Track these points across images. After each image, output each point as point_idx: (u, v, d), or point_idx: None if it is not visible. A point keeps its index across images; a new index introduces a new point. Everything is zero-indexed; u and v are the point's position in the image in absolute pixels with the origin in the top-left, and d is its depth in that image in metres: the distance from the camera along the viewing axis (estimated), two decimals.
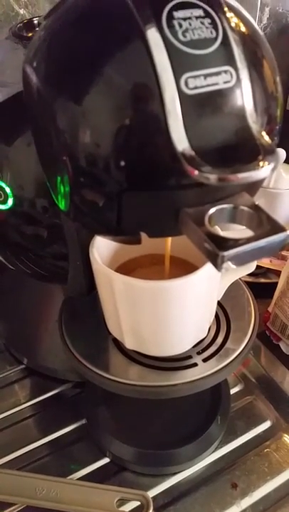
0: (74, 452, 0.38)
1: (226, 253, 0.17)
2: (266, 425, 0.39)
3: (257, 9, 0.58)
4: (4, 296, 0.48)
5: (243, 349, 0.28)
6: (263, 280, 0.51)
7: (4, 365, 0.44)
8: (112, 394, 0.36)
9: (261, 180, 0.18)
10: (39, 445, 0.38)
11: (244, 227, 0.19)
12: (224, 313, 0.32)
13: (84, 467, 0.36)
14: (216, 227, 0.21)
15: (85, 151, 0.18)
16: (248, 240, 0.17)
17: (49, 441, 0.38)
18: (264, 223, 0.18)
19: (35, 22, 0.34)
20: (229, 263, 0.17)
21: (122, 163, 0.17)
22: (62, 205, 0.23)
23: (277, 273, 0.51)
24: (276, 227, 0.17)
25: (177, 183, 0.17)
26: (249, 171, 0.16)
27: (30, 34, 0.33)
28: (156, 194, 0.18)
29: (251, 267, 0.29)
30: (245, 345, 0.28)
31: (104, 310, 0.29)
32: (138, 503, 0.34)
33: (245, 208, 0.19)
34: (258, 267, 0.53)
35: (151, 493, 0.34)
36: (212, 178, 0.16)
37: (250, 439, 0.38)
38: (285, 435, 0.39)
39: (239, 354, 0.28)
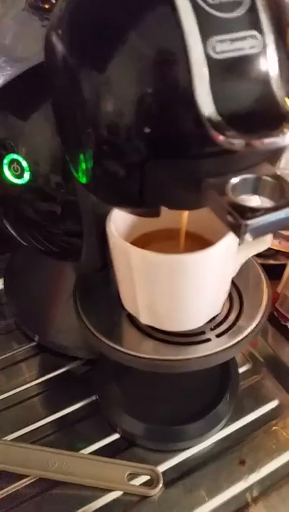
0: (85, 428, 0.38)
1: (249, 222, 0.17)
2: (274, 404, 0.40)
3: None
4: (16, 275, 0.48)
5: (256, 327, 0.28)
6: (272, 262, 0.51)
7: (16, 342, 0.45)
8: (123, 370, 0.37)
9: (282, 148, 0.18)
10: (50, 420, 0.39)
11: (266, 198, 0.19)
12: (237, 292, 0.32)
13: (95, 442, 0.37)
14: (240, 197, 0.21)
15: (109, 119, 0.18)
16: (272, 210, 0.17)
17: (60, 417, 0.39)
18: (287, 194, 0.18)
19: None
20: (250, 234, 0.17)
21: (147, 130, 0.17)
22: (83, 179, 0.23)
23: (287, 255, 0.51)
24: None
25: (202, 150, 0.17)
26: (274, 136, 0.16)
27: (46, 5, 0.32)
28: (180, 163, 0.18)
29: (267, 242, 0.29)
30: (258, 323, 0.29)
31: (119, 285, 0.29)
32: (148, 477, 0.34)
33: (269, 178, 0.19)
34: (267, 248, 0.54)
35: (161, 468, 0.35)
36: (237, 143, 0.16)
37: (258, 417, 0.39)
38: None
39: (251, 331, 0.28)
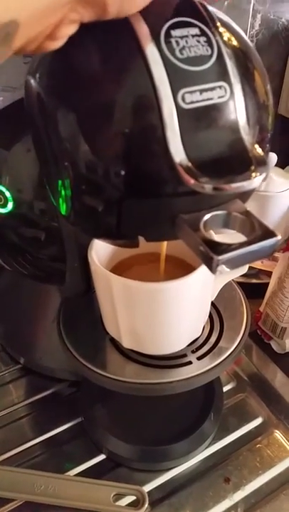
0: (71, 449, 0.39)
1: (220, 257, 0.18)
2: (258, 421, 0.41)
3: (249, 15, 0.59)
4: (1, 298, 0.49)
5: (236, 348, 0.29)
6: (254, 281, 0.53)
7: (1, 364, 0.45)
8: (108, 392, 0.37)
9: (253, 189, 0.19)
10: (36, 443, 0.39)
11: (237, 232, 0.20)
12: (217, 313, 0.33)
13: (81, 464, 0.37)
14: (211, 232, 0.22)
15: (85, 159, 0.19)
16: (241, 245, 0.18)
17: (46, 439, 0.39)
18: (256, 229, 0.19)
19: None
20: (224, 266, 0.18)
21: (122, 172, 0.18)
22: (63, 209, 0.24)
23: (269, 274, 0.52)
24: (267, 232, 0.19)
25: (174, 191, 0.19)
26: (242, 181, 0.17)
27: None
28: (154, 201, 0.19)
29: (244, 269, 0.30)
30: (238, 344, 0.30)
31: (102, 310, 0.30)
32: (134, 497, 0.35)
33: (238, 215, 0.20)
34: (249, 268, 0.54)
35: (147, 488, 0.35)
36: (207, 187, 0.17)
37: (242, 435, 0.39)
38: (276, 431, 0.40)
39: (232, 352, 0.29)
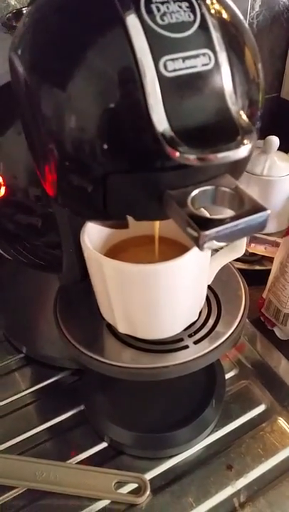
0: (73, 437, 0.38)
1: (207, 232, 0.17)
2: (261, 408, 0.40)
3: None
4: (2, 289, 0.49)
5: (233, 332, 0.29)
6: (257, 267, 0.52)
7: (4, 354, 0.45)
8: (109, 380, 0.37)
9: (242, 161, 0.19)
10: (39, 431, 0.39)
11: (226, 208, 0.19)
12: (215, 297, 0.32)
13: (82, 451, 0.37)
14: (202, 209, 0.22)
15: (70, 135, 0.19)
16: (230, 220, 0.18)
17: (48, 427, 0.39)
18: (245, 204, 0.18)
19: (25, 11, 0.34)
20: (213, 242, 0.18)
21: (105, 146, 0.18)
22: (50, 191, 0.23)
23: (272, 260, 0.51)
24: (257, 207, 0.18)
25: (159, 165, 0.18)
26: (228, 150, 0.17)
27: (19, 23, 0.33)
28: (139, 176, 0.19)
29: (240, 251, 0.29)
30: (235, 328, 0.29)
31: (96, 295, 0.29)
32: (136, 485, 0.35)
33: (227, 189, 0.19)
34: (252, 254, 0.54)
35: (148, 476, 0.35)
36: (191, 158, 0.16)
37: (245, 422, 0.39)
38: (280, 418, 0.39)
39: (229, 336, 0.28)
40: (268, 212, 0.18)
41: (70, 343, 0.29)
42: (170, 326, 0.28)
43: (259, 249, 0.53)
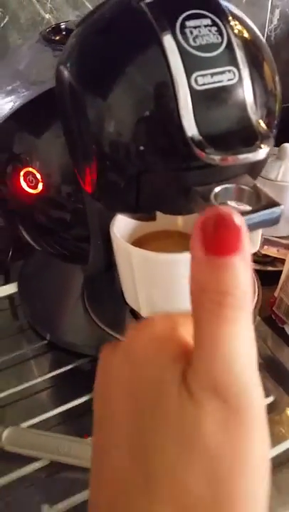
0: (90, 420, 0.41)
1: None
2: (270, 400, 0.42)
3: (267, 11, 0.61)
4: (29, 279, 0.52)
5: None
6: (270, 268, 0.54)
7: (29, 340, 0.49)
8: None
9: (260, 162, 0.22)
10: (60, 411, 0.42)
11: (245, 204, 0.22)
12: None
13: None
14: (230, 203, 0.24)
15: (110, 138, 0.22)
16: (247, 213, 0.20)
17: (69, 409, 0.42)
18: (262, 200, 0.21)
19: (62, 27, 0.38)
20: None
21: (142, 148, 0.21)
22: (89, 189, 0.26)
23: (284, 261, 0.54)
24: (271, 202, 0.21)
25: (188, 164, 0.21)
26: (248, 153, 0.19)
27: (57, 37, 0.36)
28: (170, 174, 0.22)
29: (255, 247, 0.32)
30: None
31: (122, 282, 0.32)
32: None
33: (246, 187, 0.22)
34: (265, 256, 0.57)
35: None
36: (216, 158, 0.19)
37: None
38: (288, 409, 0.42)
39: None
40: (282, 207, 0.21)
41: (98, 326, 0.32)
42: (188, 310, 0.31)
43: (272, 251, 0.56)
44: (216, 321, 0.14)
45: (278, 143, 0.58)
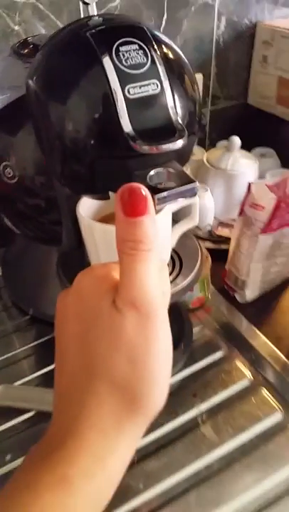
0: None
1: (157, 196, 0.27)
2: (221, 354, 0.50)
3: (214, 18, 0.68)
4: (11, 264, 0.58)
5: (190, 281, 0.39)
6: (223, 246, 0.62)
7: (13, 317, 0.55)
8: None
9: (184, 151, 0.29)
10: (47, 371, 0.49)
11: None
12: (179, 259, 0.42)
13: None
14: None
15: (69, 135, 0.29)
16: (171, 188, 0.28)
17: (53, 368, 0.49)
18: (183, 178, 0.28)
19: (30, 41, 0.44)
20: (161, 203, 0.28)
21: (92, 142, 0.28)
22: (56, 175, 0.33)
23: None
24: (189, 180, 0.28)
25: (127, 154, 0.28)
26: (168, 143, 0.27)
27: (26, 51, 0.43)
28: (115, 162, 0.29)
29: (194, 221, 0.39)
30: (192, 279, 0.39)
31: (88, 254, 0.39)
32: None
33: (173, 171, 0.29)
34: (219, 236, 0.64)
35: None
36: (146, 148, 0.27)
37: (208, 364, 0.49)
38: (236, 360, 0.49)
39: (186, 285, 0.38)
40: (196, 184, 0.28)
41: None
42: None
43: (225, 232, 0.63)
44: (133, 259, 0.21)
45: (230, 136, 0.66)
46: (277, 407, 0.45)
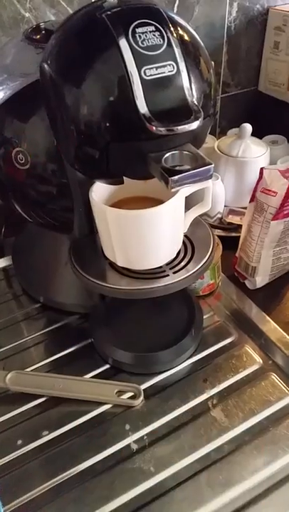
0: (82, 362, 0.49)
1: (172, 178, 0.27)
2: (231, 339, 0.50)
3: (226, 4, 0.67)
4: (21, 253, 0.59)
5: (201, 266, 0.39)
6: (234, 234, 0.62)
7: (24, 305, 0.56)
8: (111, 315, 0.47)
9: (197, 133, 0.29)
10: (57, 357, 0.49)
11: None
12: (191, 245, 0.42)
13: (91, 371, 0.47)
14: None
15: (84, 118, 0.29)
16: (187, 170, 0.28)
17: (63, 355, 0.49)
18: (199, 161, 0.29)
19: (42, 27, 0.44)
20: (178, 184, 0.28)
21: (108, 124, 0.28)
22: (69, 161, 0.33)
23: None
24: (205, 162, 0.28)
25: (142, 136, 0.28)
26: (184, 125, 0.27)
27: (38, 37, 0.43)
28: (130, 144, 0.29)
29: (206, 206, 0.39)
30: (203, 264, 0.39)
31: (101, 239, 0.39)
32: (132, 393, 0.45)
33: (188, 153, 0.29)
34: (230, 223, 0.64)
35: (142, 386, 0.45)
36: (162, 129, 0.27)
37: (218, 348, 0.49)
38: (246, 345, 0.50)
39: (198, 269, 0.39)
40: (212, 165, 0.28)
41: (83, 277, 0.39)
42: (155, 260, 0.38)
43: (235, 219, 0.63)
44: None
45: (241, 123, 0.65)
46: (286, 391, 0.45)
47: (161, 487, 0.39)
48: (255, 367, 0.47)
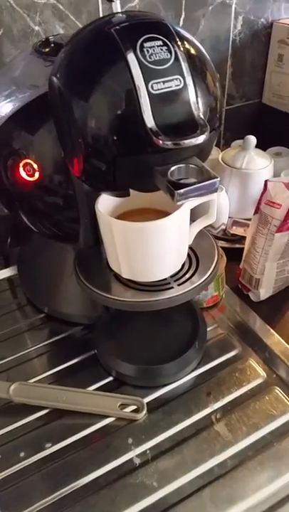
0: (86, 374, 0.48)
1: (178, 191, 0.27)
2: (235, 352, 0.50)
3: (231, 17, 0.68)
4: (26, 263, 0.59)
5: (206, 279, 0.39)
6: (237, 245, 0.62)
7: (28, 315, 0.55)
8: (115, 328, 0.47)
9: (205, 147, 0.29)
10: (60, 368, 0.49)
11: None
12: (196, 257, 0.42)
13: (94, 384, 0.47)
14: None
15: (92, 131, 0.29)
16: (193, 183, 0.28)
17: (67, 367, 0.49)
18: (205, 175, 0.29)
19: (51, 40, 0.45)
20: (183, 198, 0.28)
21: (115, 138, 0.28)
22: (77, 173, 0.33)
23: None
24: (210, 176, 0.28)
25: (149, 149, 0.28)
26: (190, 139, 0.27)
27: (47, 50, 0.43)
28: (137, 157, 0.29)
29: (211, 219, 0.39)
30: (208, 277, 0.39)
31: (106, 251, 0.39)
32: (135, 406, 0.44)
33: (194, 166, 0.29)
34: (234, 235, 0.64)
35: (146, 400, 0.45)
36: (168, 143, 0.27)
37: (222, 362, 0.49)
38: (250, 359, 0.49)
39: (203, 282, 0.39)
40: (218, 179, 0.28)
41: (88, 288, 0.39)
42: (160, 272, 0.38)
43: (239, 231, 0.63)
44: None
45: (245, 135, 0.65)
46: None
47: (164, 502, 0.39)
48: (259, 380, 0.47)
